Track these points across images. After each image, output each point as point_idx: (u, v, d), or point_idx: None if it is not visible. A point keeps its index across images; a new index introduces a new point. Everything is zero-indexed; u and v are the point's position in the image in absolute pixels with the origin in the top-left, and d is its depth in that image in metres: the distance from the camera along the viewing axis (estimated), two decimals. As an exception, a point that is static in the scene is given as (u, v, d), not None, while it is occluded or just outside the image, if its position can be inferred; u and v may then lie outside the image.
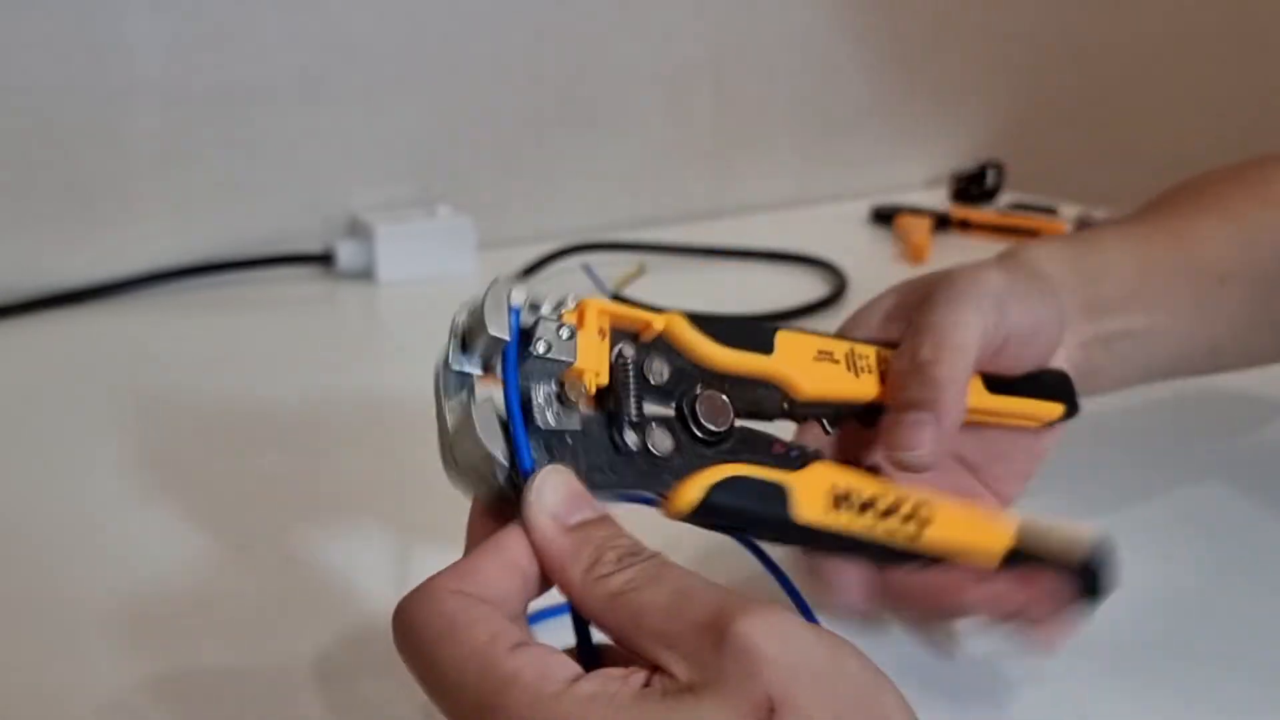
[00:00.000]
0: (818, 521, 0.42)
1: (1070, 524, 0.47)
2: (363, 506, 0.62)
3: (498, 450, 0.36)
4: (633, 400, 0.40)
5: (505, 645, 0.32)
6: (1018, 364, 0.50)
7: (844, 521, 0.42)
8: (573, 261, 0.97)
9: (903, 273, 0.53)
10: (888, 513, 0.43)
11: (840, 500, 0.42)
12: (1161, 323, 0.56)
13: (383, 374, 0.79)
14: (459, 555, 0.37)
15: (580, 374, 0.38)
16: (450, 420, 0.38)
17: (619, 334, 0.41)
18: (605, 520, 0.36)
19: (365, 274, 0.94)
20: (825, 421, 0.47)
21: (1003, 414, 0.50)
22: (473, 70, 1.01)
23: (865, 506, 0.43)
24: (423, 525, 0.59)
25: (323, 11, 0.95)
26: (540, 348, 0.37)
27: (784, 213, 1.16)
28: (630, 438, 0.39)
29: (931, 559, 0.45)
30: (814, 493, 0.42)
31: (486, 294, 0.38)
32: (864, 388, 0.47)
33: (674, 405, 0.41)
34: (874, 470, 0.45)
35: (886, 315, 0.50)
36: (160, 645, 0.50)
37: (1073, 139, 1.31)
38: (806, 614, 0.38)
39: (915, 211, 1.13)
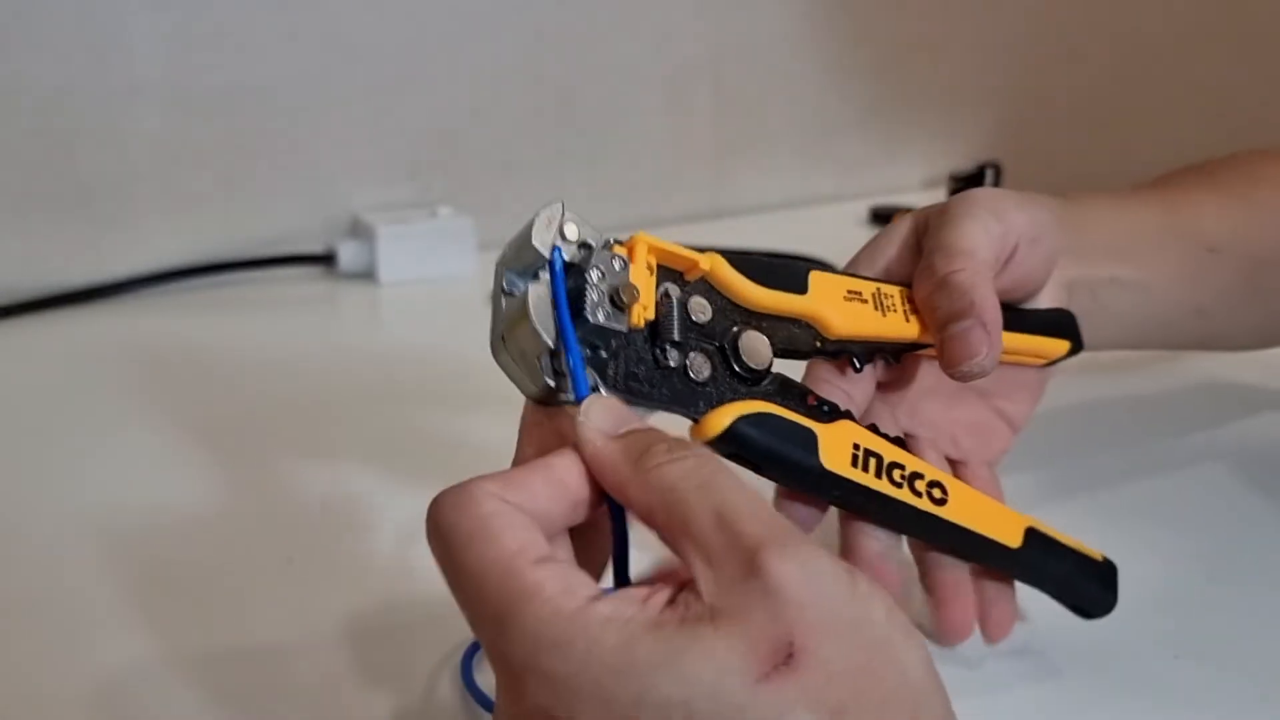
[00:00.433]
0: (843, 472, 0.43)
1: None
2: (363, 506, 0.62)
3: (548, 336, 0.37)
4: (677, 323, 0.41)
5: (531, 557, 0.33)
6: (1029, 273, 0.51)
7: (867, 478, 0.44)
8: (573, 262, 0.97)
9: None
10: (910, 479, 0.45)
11: (865, 458, 0.44)
12: (1149, 279, 0.56)
13: (384, 374, 0.79)
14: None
15: (635, 286, 0.39)
16: (507, 308, 0.39)
17: (664, 272, 0.42)
18: (652, 429, 0.37)
19: (366, 274, 0.94)
20: (855, 360, 0.48)
21: (1012, 351, 0.51)
22: (473, 70, 1.01)
23: (889, 468, 0.44)
24: (424, 524, 0.59)
25: (323, 11, 0.95)
26: (594, 275, 0.38)
27: (783, 213, 1.16)
28: (672, 355, 0.41)
29: (952, 531, 0.46)
30: (840, 445, 0.44)
31: (538, 215, 0.39)
32: (891, 326, 0.48)
33: (715, 343, 0.43)
34: (899, 442, 0.46)
35: (900, 249, 0.51)
36: (160, 645, 0.50)
37: (1071, 140, 1.31)
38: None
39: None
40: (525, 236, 0.39)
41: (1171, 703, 0.48)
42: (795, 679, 0.30)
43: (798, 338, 0.46)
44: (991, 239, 0.48)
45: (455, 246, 0.96)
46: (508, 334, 0.39)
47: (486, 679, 0.47)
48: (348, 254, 0.94)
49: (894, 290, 0.49)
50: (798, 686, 0.30)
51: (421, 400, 0.74)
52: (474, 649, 0.49)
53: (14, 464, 0.66)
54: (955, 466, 0.50)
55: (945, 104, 1.26)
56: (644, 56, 1.09)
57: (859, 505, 0.46)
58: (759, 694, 0.30)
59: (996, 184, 1.19)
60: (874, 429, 0.46)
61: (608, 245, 0.40)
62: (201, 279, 0.92)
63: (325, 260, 0.95)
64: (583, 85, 1.06)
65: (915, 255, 0.50)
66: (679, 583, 0.33)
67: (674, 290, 0.42)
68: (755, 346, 0.43)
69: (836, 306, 0.46)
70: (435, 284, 0.93)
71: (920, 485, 0.45)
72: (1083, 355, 0.53)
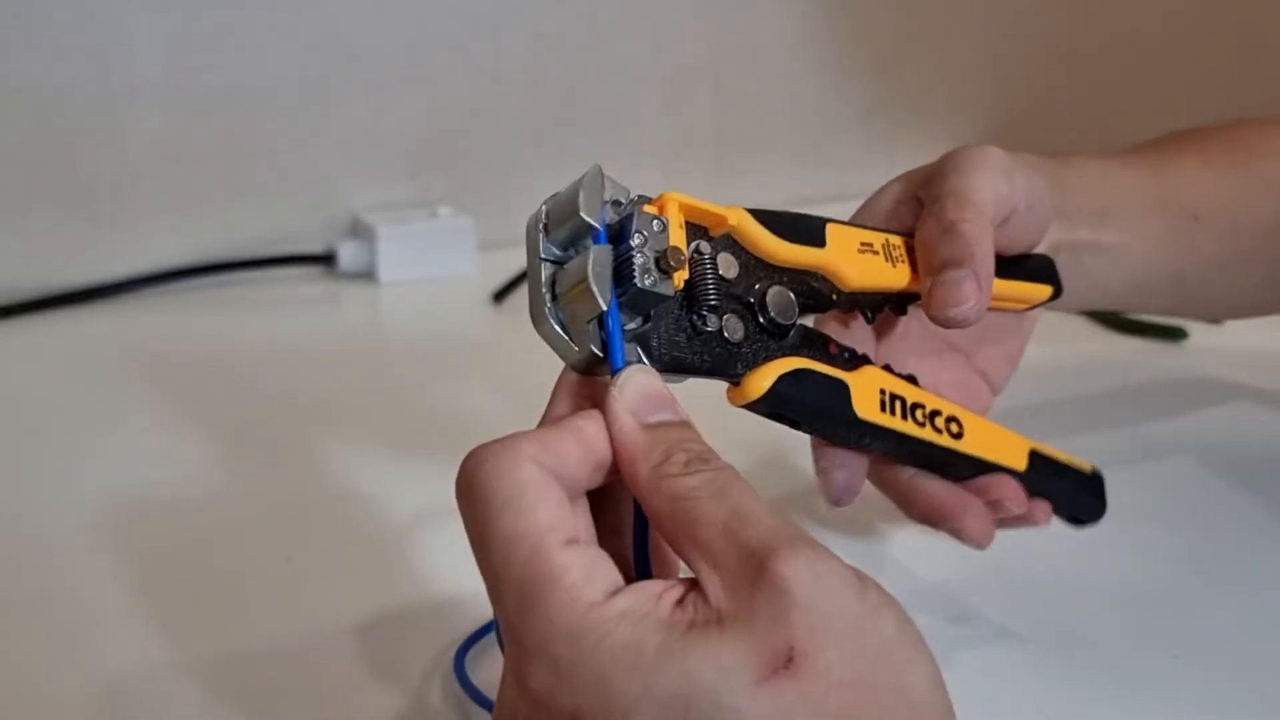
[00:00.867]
0: (875, 419, 0.45)
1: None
2: (363, 506, 0.62)
3: (604, 302, 0.37)
4: (712, 286, 0.41)
5: (560, 538, 0.33)
6: (1021, 236, 0.52)
7: (896, 422, 0.46)
8: (573, 262, 0.97)
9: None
10: (931, 417, 0.47)
11: (890, 402, 0.46)
12: (1131, 243, 0.56)
13: (384, 374, 0.79)
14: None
15: (680, 249, 0.39)
16: (565, 272, 0.38)
17: (692, 230, 0.42)
18: (683, 425, 0.37)
19: (367, 274, 0.94)
20: (868, 311, 0.49)
21: (996, 296, 0.51)
22: (473, 70, 1.01)
23: (912, 409, 0.46)
24: (423, 525, 0.59)
25: (323, 11, 0.95)
26: (637, 240, 0.38)
27: (783, 213, 1.16)
28: (710, 320, 0.41)
29: (971, 462, 0.48)
30: (869, 392, 0.45)
31: (582, 180, 0.38)
32: (900, 277, 0.49)
33: (744, 300, 0.43)
34: (910, 380, 0.48)
35: (896, 200, 0.52)
36: (159, 644, 0.50)
37: (1069, 140, 1.31)
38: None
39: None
40: (571, 204, 0.38)
41: (1170, 703, 0.48)
42: (794, 684, 0.30)
43: (816, 291, 0.46)
44: (998, 197, 0.49)
45: (455, 246, 0.96)
46: (563, 298, 0.38)
47: (480, 676, 0.47)
48: (348, 254, 0.94)
49: (899, 241, 0.50)
50: (796, 691, 0.30)
51: (421, 400, 0.74)
52: (466, 646, 0.49)
53: (14, 464, 0.66)
54: None
55: (945, 104, 1.26)
56: (644, 56, 1.09)
57: (888, 448, 0.47)
58: (756, 696, 0.30)
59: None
60: (889, 369, 0.48)
61: (637, 203, 0.40)
62: (201, 279, 0.92)
63: (325, 260, 0.95)
64: (583, 85, 1.06)
65: (912, 209, 0.51)
66: (690, 581, 0.33)
67: (705, 248, 0.42)
68: (784, 301, 0.44)
69: (852, 259, 0.47)
70: (435, 284, 0.93)
71: (940, 422, 0.48)
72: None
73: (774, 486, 0.60)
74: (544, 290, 0.38)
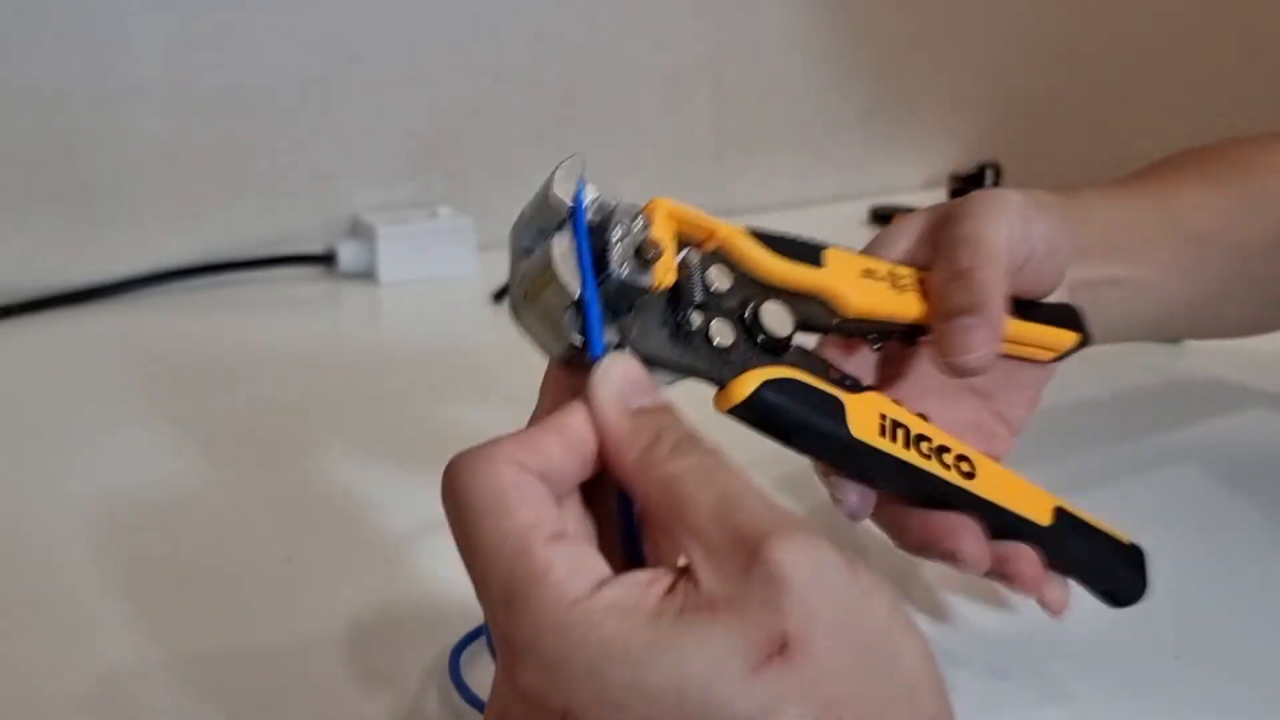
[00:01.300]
0: (872, 440, 0.42)
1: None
2: (362, 506, 0.62)
3: (574, 288, 0.36)
4: (697, 287, 0.40)
5: (545, 534, 0.32)
6: (1039, 280, 0.51)
7: (898, 449, 0.43)
8: (573, 262, 0.97)
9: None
10: (938, 451, 0.44)
11: (893, 428, 0.43)
12: (1143, 276, 0.56)
13: (384, 374, 0.79)
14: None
15: (659, 241, 0.38)
16: (530, 263, 0.37)
17: (683, 243, 0.41)
18: (667, 409, 0.36)
19: (367, 274, 0.94)
20: (874, 342, 0.48)
21: (1022, 341, 0.51)
22: (473, 70, 1.01)
23: (916, 440, 0.44)
24: (422, 525, 0.59)
25: (323, 11, 0.95)
26: (617, 232, 0.37)
27: (783, 213, 1.16)
28: (695, 318, 0.40)
29: (983, 508, 0.45)
30: (868, 415, 0.43)
31: (556, 170, 0.38)
32: (907, 306, 0.47)
33: (736, 313, 0.42)
34: (923, 418, 0.46)
35: (917, 238, 0.51)
36: (159, 644, 0.50)
37: (1070, 140, 1.31)
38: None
39: (914, 212, 1.12)
40: (545, 190, 0.38)
41: (1171, 703, 0.48)
42: (788, 671, 0.30)
43: (814, 313, 0.45)
44: (1014, 244, 0.49)
45: (455, 246, 0.96)
46: (530, 290, 0.37)
47: (475, 678, 0.47)
48: (348, 254, 0.94)
49: (906, 271, 0.48)
50: (789, 679, 0.30)
51: (421, 400, 0.74)
52: (461, 647, 0.49)
53: (14, 464, 0.66)
54: None
55: (945, 104, 1.26)
56: (644, 56, 1.09)
57: (888, 479, 0.45)
58: (751, 685, 0.30)
59: (996, 184, 1.19)
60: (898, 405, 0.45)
61: (631, 208, 0.39)
62: (201, 279, 0.92)
63: (325, 260, 0.95)
64: (583, 85, 1.06)
65: (929, 248, 0.50)
66: (680, 568, 0.33)
67: (694, 256, 0.41)
68: (777, 314, 0.42)
69: (853, 283, 0.46)
70: (435, 284, 0.93)
71: (948, 458, 0.45)
72: (1079, 353, 0.53)
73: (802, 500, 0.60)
74: (521, 285, 0.38)
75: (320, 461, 0.67)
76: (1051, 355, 0.53)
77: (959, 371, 0.46)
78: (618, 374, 0.36)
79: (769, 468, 0.50)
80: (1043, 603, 0.47)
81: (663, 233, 0.39)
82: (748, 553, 0.31)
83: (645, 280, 0.38)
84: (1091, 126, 1.33)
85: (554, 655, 0.31)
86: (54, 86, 0.87)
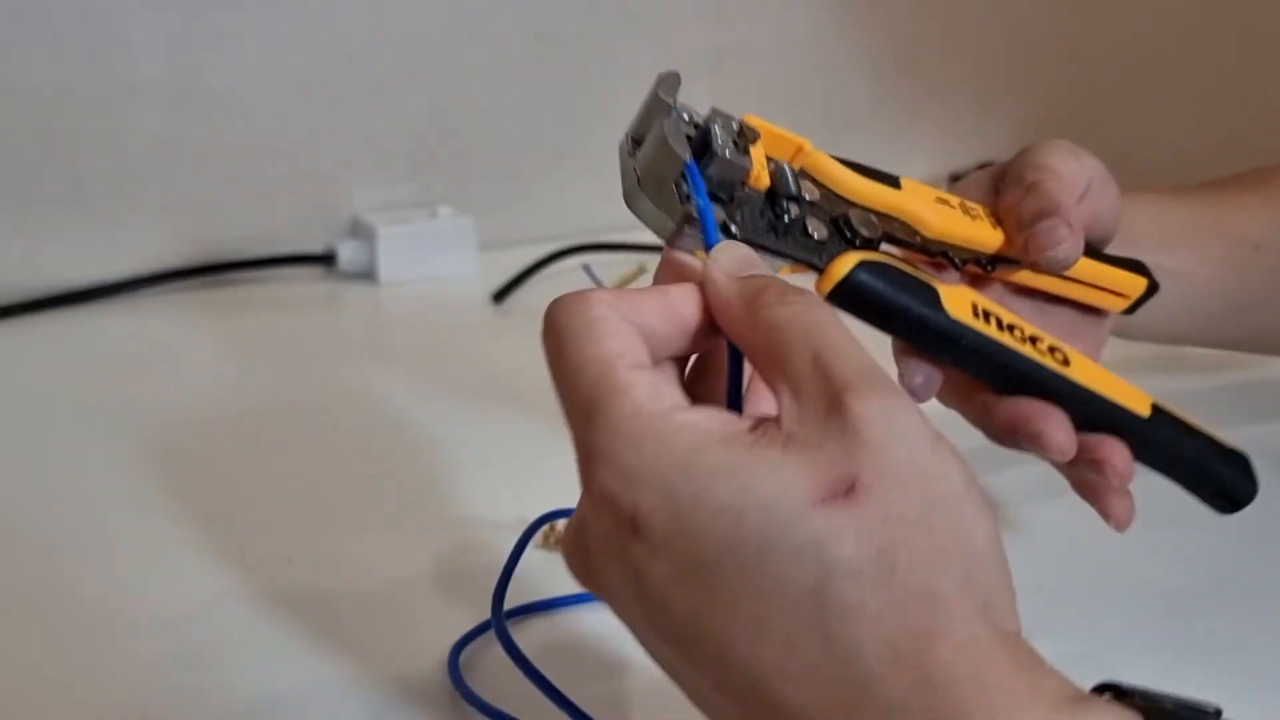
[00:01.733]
0: (968, 321, 0.43)
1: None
2: (362, 506, 0.62)
3: (685, 152, 0.38)
4: (793, 183, 0.42)
5: (630, 361, 0.34)
6: (1097, 216, 0.51)
7: (992, 330, 0.44)
8: (573, 262, 0.97)
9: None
10: (1031, 339, 0.45)
11: (986, 315, 0.44)
12: (1194, 269, 0.57)
13: (384, 374, 0.79)
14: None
15: (755, 128, 0.41)
16: (646, 147, 0.40)
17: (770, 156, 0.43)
18: (773, 275, 0.37)
19: (367, 274, 0.94)
20: (955, 261, 0.48)
21: (1094, 282, 0.51)
22: (473, 70, 1.01)
23: (1009, 327, 0.44)
24: (423, 525, 0.59)
25: (323, 12, 0.95)
26: (717, 127, 0.40)
27: (783, 213, 1.16)
28: (792, 209, 0.42)
29: (1079, 395, 0.45)
30: (961, 301, 0.44)
31: (659, 82, 0.40)
32: (983, 232, 0.48)
33: (828, 216, 0.43)
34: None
35: (982, 189, 0.52)
36: (158, 644, 0.50)
37: (1071, 140, 1.31)
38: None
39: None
40: (651, 94, 0.40)
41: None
42: (850, 510, 0.31)
43: (898, 230, 0.46)
44: (1072, 172, 0.50)
45: (455, 246, 0.96)
46: (643, 168, 0.40)
47: (474, 677, 0.47)
48: (348, 254, 0.94)
49: (976, 205, 0.50)
50: (850, 517, 0.31)
51: (421, 400, 0.74)
52: (461, 646, 0.49)
53: (14, 464, 0.66)
54: None
55: (947, 104, 1.26)
56: (644, 56, 1.09)
57: (981, 363, 0.45)
58: (809, 516, 0.31)
59: (997, 184, 1.19)
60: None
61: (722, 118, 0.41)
62: (201, 279, 0.92)
63: (325, 260, 0.95)
64: (582, 85, 1.06)
65: (993, 196, 0.51)
66: (763, 421, 0.34)
67: (785, 167, 0.43)
68: (867, 220, 0.44)
69: (930, 207, 0.47)
70: (435, 284, 0.93)
71: (1042, 346, 0.45)
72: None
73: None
74: (633, 173, 0.40)
75: (320, 461, 0.67)
76: (1124, 303, 0.52)
77: (1051, 265, 0.47)
78: (728, 254, 0.37)
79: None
80: (1108, 514, 0.47)
81: (755, 123, 0.42)
82: (833, 400, 0.32)
83: (745, 162, 0.40)
84: (1092, 126, 1.32)
85: (628, 461, 0.32)
86: (54, 86, 0.87)
